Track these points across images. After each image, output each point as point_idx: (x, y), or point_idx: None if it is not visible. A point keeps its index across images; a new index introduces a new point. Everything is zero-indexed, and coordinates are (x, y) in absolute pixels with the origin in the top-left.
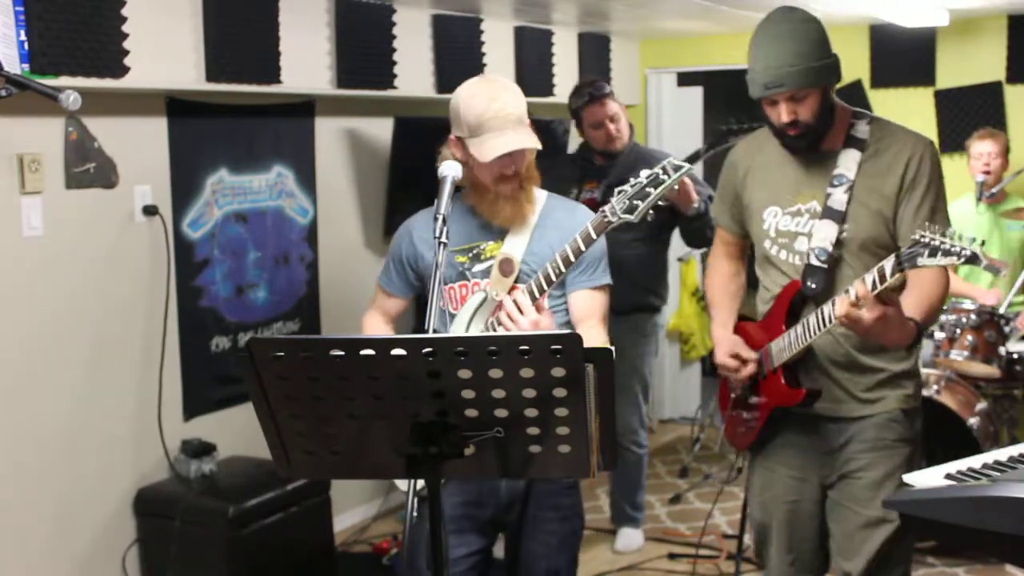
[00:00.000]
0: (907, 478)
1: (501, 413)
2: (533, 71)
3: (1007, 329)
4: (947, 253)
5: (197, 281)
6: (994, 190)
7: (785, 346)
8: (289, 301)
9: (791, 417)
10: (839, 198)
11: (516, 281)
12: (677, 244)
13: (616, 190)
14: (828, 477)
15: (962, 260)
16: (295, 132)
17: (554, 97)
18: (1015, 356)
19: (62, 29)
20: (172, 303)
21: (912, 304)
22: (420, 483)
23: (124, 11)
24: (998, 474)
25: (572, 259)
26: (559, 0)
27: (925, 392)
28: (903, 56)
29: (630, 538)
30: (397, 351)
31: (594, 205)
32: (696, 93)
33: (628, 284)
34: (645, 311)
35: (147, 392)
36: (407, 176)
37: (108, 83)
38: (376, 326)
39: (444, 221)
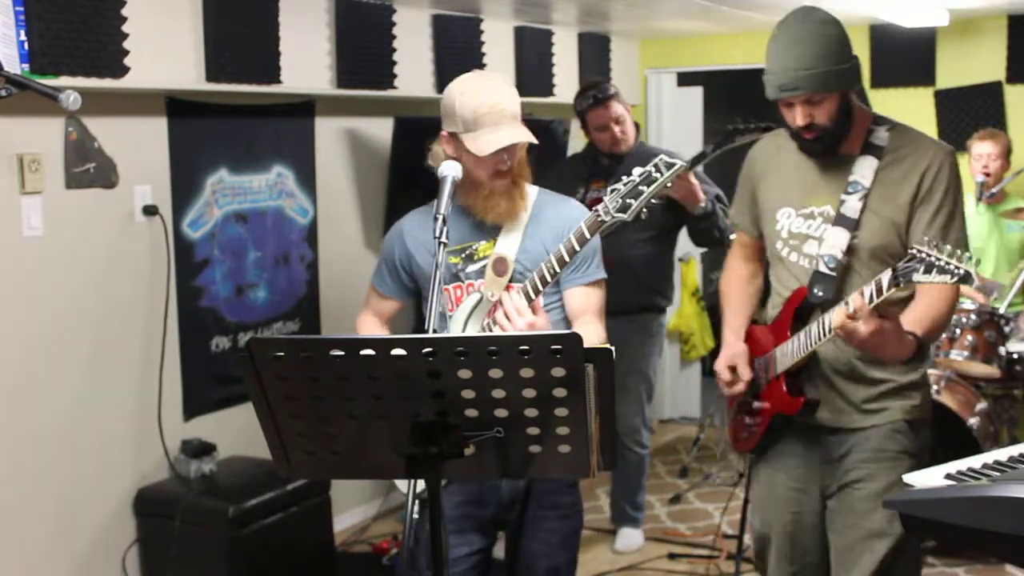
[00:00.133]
0: (907, 478)
1: (501, 413)
2: (533, 71)
3: (1007, 329)
4: (942, 271)
5: (197, 281)
6: (994, 190)
7: (788, 353)
8: (289, 301)
9: (793, 425)
10: (853, 205)
11: (511, 280)
12: (678, 244)
13: (609, 189)
14: (828, 487)
15: (954, 280)
16: (295, 132)
17: (554, 97)
18: (1015, 356)
19: (62, 29)
20: (172, 303)
21: (915, 318)
22: (420, 484)
23: (124, 11)
24: (998, 474)
25: (567, 259)
26: (559, 0)
27: None
28: (903, 56)
29: (630, 538)
30: (397, 351)
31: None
32: (696, 93)
33: (635, 284)
34: (651, 311)
35: (147, 392)
36: (407, 176)
37: (108, 83)
38: (370, 328)
39: (444, 221)
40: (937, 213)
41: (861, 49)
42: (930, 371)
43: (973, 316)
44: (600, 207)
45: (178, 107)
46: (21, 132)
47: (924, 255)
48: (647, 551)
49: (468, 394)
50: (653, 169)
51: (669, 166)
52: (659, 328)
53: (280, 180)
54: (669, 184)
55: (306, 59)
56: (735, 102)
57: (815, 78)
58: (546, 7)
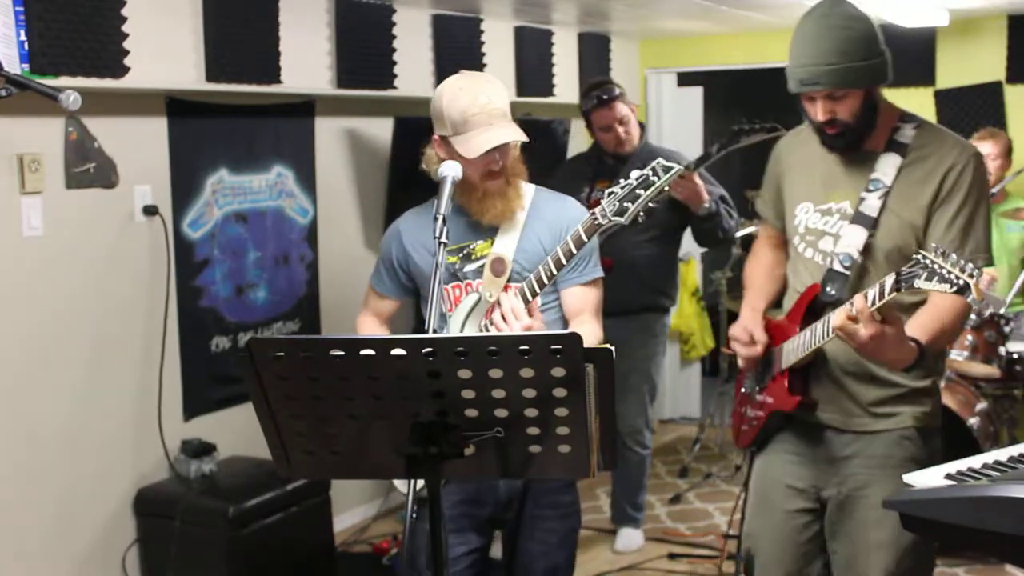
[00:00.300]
0: (907, 478)
1: (501, 413)
2: (533, 71)
3: (1007, 329)
4: (943, 279)
5: (197, 281)
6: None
7: (793, 349)
8: (289, 301)
9: (797, 423)
10: (872, 204)
11: (509, 280)
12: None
13: (607, 192)
14: (826, 489)
15: (953, 290)
16: (295, 132)
17: (554, 97)
18: (1015, 356)
19: (62, 29)
20: (172, 303)
21: (921, 324)
22: (419, 483)
23: (124, 11)
24: (998, 474)
25: (564, 262)
26: (559, 0)
27: None
28: (903, 56)
29: (630, 538)
30: (397, 351)
31: None
32: (696, 93)
33: (638, 284)
34: (654, 311)
35: (147, 392)
36: (407, 176)
37: (108, 83)
38: (370, 329)
39: (444, 221)
40: (956, 216)
41: None
42: None
43: (973, 316)
44: (597, 210)
45: (178, 107)
46: (21, 132)
47: (928, 262)
48: (647, 551)
49: (468, 394)
50: (650, 173)
51: (666, 170)
52: (662, 328)
53: (280, 180)
54: (666, 188)
55: (306, 59)
56: (735, 102)
57: (837, 74)
58: (546, 7)
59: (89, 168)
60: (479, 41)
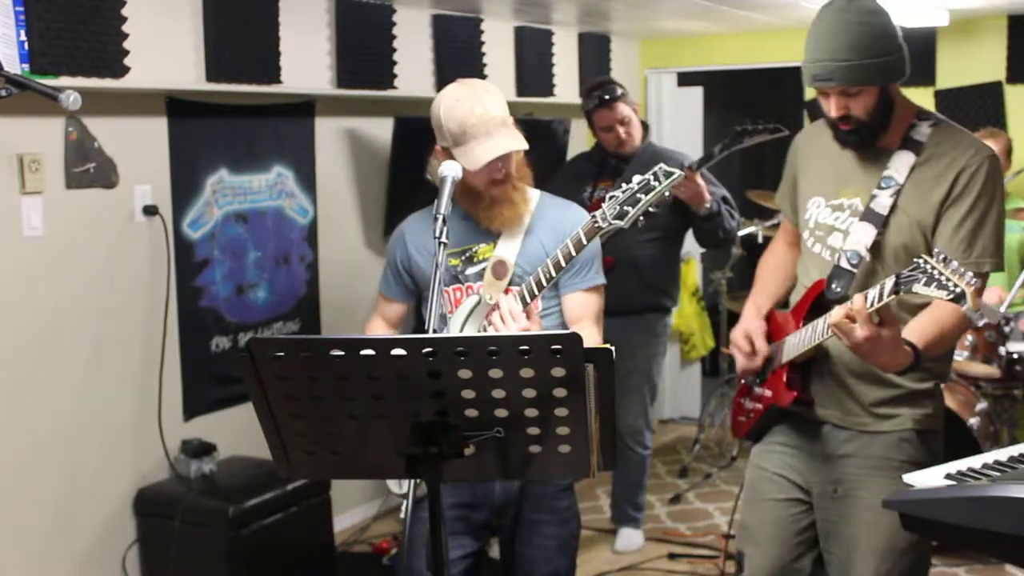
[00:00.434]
0: (907, 478)
1: (501, 413)
2: (533, 71)
3: (1007, 329)
4: (941, 286)
5: (197, 281)
6: None
7: (795, 344)
8: (289, 301)
9: (794, 417)
10: (883, 202)
11: (509, 283)
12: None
13: (608, 196)
14: (821, 484)
15: (949, 297)
16: (295, 132)
17: (554, 97)
18: (1015, 356)
19: (62, 29)
20: (172, 303)
21: (920, 329)
22: (406, 487)
23: (124, 11)
24: (998, 474)
25: (563, 264)
26: (559, 0)
27: None
28: None
29: (630, 538)
30: (397, 351)
31: None
32: (696, 93)
33: (640, 284)
34: (656, 311)
35: (147, 392)
36: (407, 176)
37: (108, 83)
38: (378, 332)
39: (444, 221)
40: (966, 218)
41: None
42: None
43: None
44: (598, 213)
45: (178, 107)
46: (21, 132)
47: (929, 267)
48: (647, 551)
49: (468, 394)
50: (652, 178)
51: (667, 175)
52: (663, 329)
53: (280, 180)
54: (667, 193)
55: (306, 59)
56: (735, 102)
57: (851, 70)
58: (546, 7)
59: (89, 168)
60: (479, 41)
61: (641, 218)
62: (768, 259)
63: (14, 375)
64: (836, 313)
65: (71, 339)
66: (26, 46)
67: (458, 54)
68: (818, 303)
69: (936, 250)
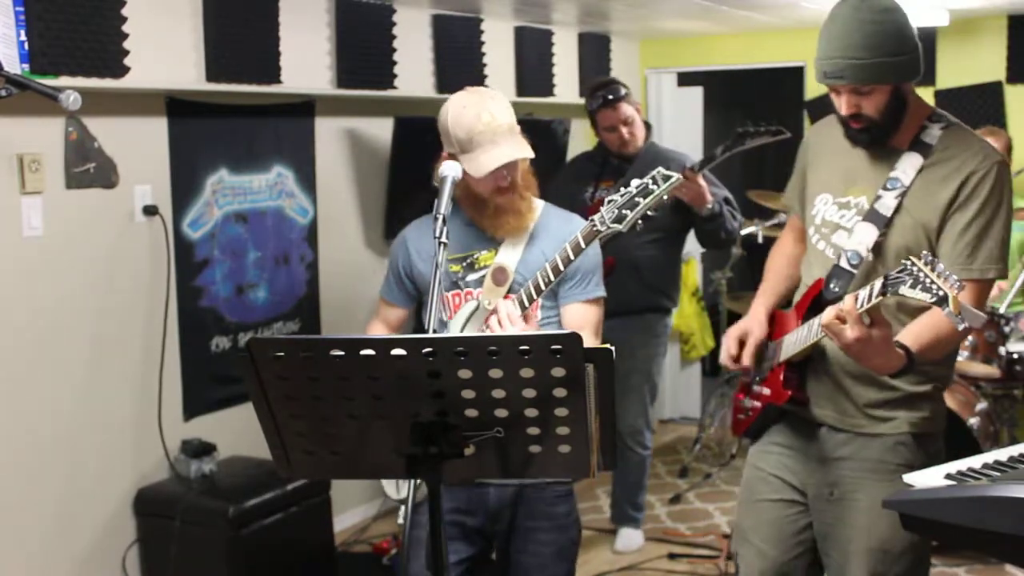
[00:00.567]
0: (907, 478)
1: (501, 413)
2: (533, 71)
3: (1007, 329)
4: (925, 289)
5: (197, 281)
6: None
7: (792, 343)
8: (289, 301)
9: (791, 418)
10: (888, 203)
11: (509, 291)
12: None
13: (606, 199)
14: (817, 486)
15: (933, 300)
16: (295, 132)
17: (554, 97)
18: (1015, 356)
19: (62, 29)
20: (172, 303)
21: (915, 332)
22: (404, 492)
23: (124, 11)
24: (998, 474)
25: (561, 268)
26: (559, 0)
27: None
28: None
29: (630, 538)
30: (397, 351)
31: None
32: (696, 93)
33: (641, 285)
34: (656, 312)
35: (147, 392)
36: (407, 176)
37: (108, 83)
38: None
39: (444, 221)
40: (971, 223)
41: None
42: None
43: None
44: (596, 217)
45: (178, 107)
46: (21, 132)
47: (916, 269)
48: (647, 551)
49: (468, 394)
50: (650, 181)
51: (666, 179)
52: (664, 329)
53: (280, 180)
54: (665, 197)
55: (306, 59)
56: (735, 102)
57: (863, 69)
58: (546, 7)
59: (89, 168)
60: (479, 41)
61: (639, 221)
62: (776, 256)
63: (14, 375)
64: (827, 314)
65: (71, 339)
66: (26, 46)
67: (458, 54)
68: (817, 302)
69: (924, 252)
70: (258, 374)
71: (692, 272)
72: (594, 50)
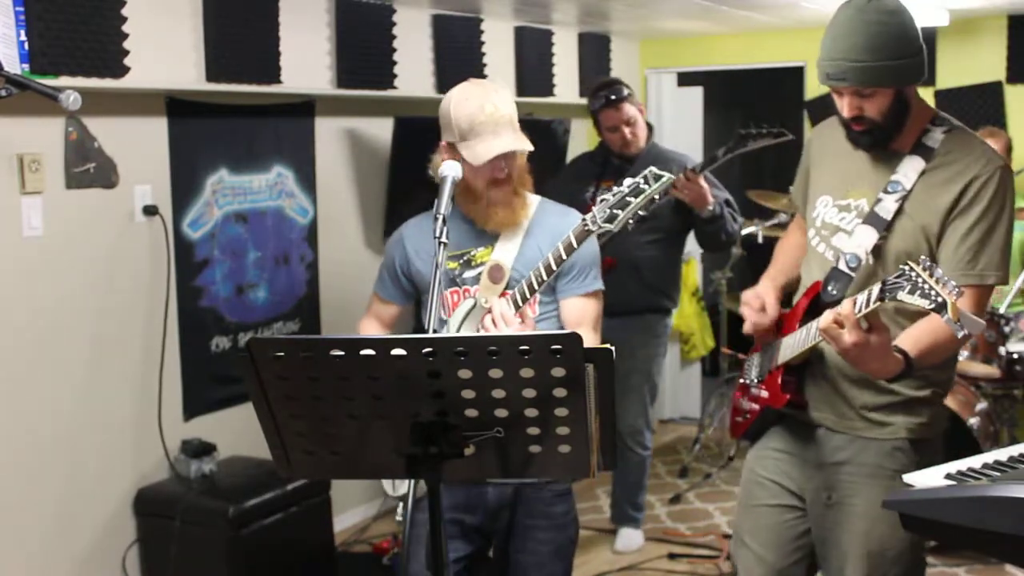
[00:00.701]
0: (907, 478)
1: (501, 413)
2: (533, 71)
3: (1007, 329)
4: (923, 294)
5: (197, 281)
6: None
7: (790, 345)
8: (289, 301)
9: (789, 420)
10: (888, 206)
11: (506, 288)
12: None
13: (599, 199)
14: (814, 491)
15: (930, 306)
16: (295, 132)
17: (554, 97)
18: (1015, 356)
19: (62, 29)
20: (172, 303)
21: (913, 336)
22: (402, 491)
23: (124, 11)
24: (998, 474)
25: (554, 267)
26: (559, 0)
27: None
28: None
29: (630, 538)
30: (397, 351)
31: None
32: (696, 93)
33: (641, 285)
34: (657, 312)
35: (147, 392)
36: (407, 176)
37: (108, 83)
38: (371, 332)
39: (444, 221)
40: (972, 229)
41: None
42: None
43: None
44: (588, 217)
45: (178, 107)
46: (21, 132)
47: (914, 274)
48: (647, 551)
49: (468, 394)
50: (641, 181)
51: (657, 178)
52: (664, 329)
53: (280, 180)
54: (657, 196)
55: (306, 59)
56: (735, 102)
57: (865, 71)
58: (546, 7)
59: (89, 168)
60: (479, 41)
61: (631, 221)
62: (784, 245)
63: (14, 375)
64: (825, 317)
65: (71, 339)
66: (26, 46)
67: (458, 54)
68: (815, 304)
69: (923, 257)
70: (258, 374)
71: (692, 272)
72: (594, 50)
